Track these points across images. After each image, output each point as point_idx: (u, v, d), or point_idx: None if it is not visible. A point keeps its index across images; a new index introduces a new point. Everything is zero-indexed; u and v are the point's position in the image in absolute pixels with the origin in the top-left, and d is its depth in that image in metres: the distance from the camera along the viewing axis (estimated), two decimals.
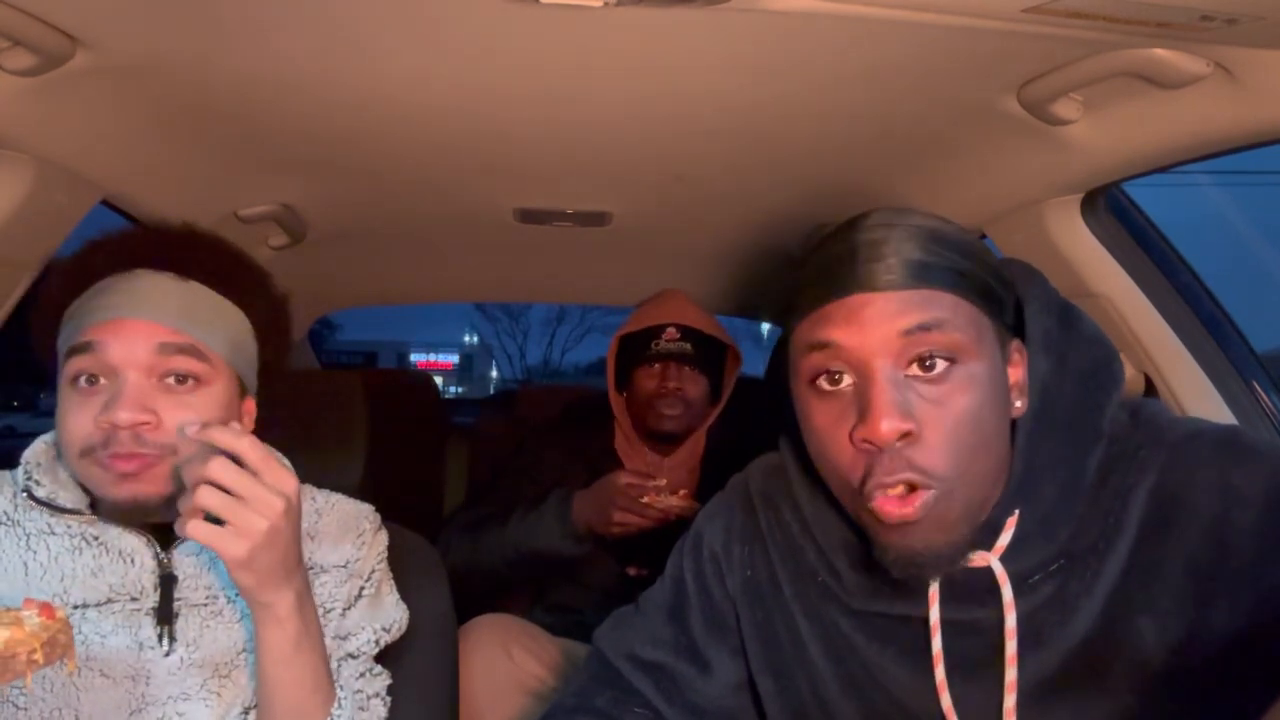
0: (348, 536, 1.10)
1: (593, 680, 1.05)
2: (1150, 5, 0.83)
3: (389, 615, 1.11)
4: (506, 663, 1.44)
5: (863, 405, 0.78)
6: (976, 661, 0.86)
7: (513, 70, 1.08)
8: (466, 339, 23.91)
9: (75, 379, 0.95)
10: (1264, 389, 1.32)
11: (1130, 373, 1.36)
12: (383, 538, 1.14)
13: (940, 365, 0.78)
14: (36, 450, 1.04)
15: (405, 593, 1.14)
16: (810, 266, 0.85)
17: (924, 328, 0.78)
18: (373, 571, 1.11)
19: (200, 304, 1.01)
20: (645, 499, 1.66)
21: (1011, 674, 0.83)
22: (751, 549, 1.01)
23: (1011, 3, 0.84)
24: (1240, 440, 0.83)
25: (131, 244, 1.03)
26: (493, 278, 2.50)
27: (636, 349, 1.84)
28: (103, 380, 0.95)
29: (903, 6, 0.87)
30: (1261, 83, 0.94)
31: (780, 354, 1.61)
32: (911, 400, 0.78)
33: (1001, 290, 0.84)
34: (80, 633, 0.96)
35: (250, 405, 1.06)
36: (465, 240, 2.06)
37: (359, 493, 1.16)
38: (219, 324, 1.01)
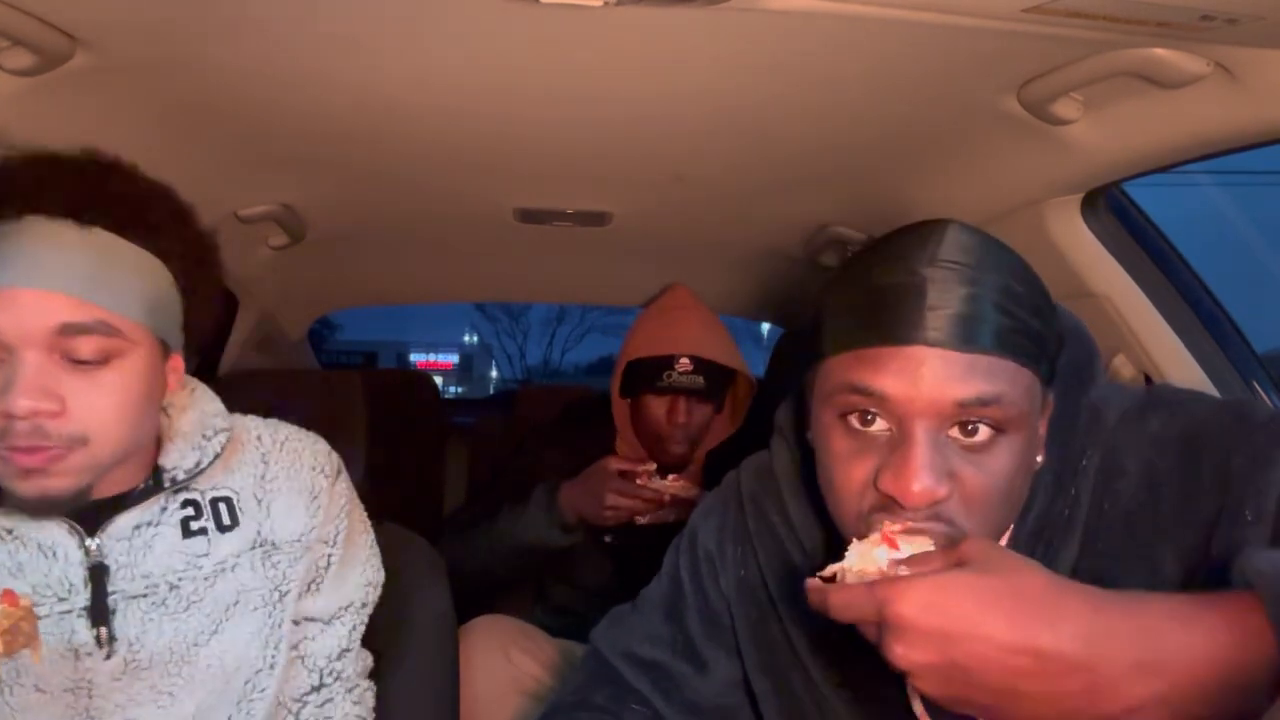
0: (300, 500, 0.99)
1: (591, 678, 1.04)
2: (1150, 5, 0.83)
3: (358, 588, 1.03)
4: (505, 664, 1.44)
5: (898, 459, 0.73)
6: None
7: (512, 70, 1.08)
8: (466, 339, 23.89)
9: None
10: (1264, 389, 1.32)
11: (1130, 373, 1.36)
12: (343, 487, 1.04)
13: (985, 433, 0.73)
14: None
15: (405, 593, 1.13)
16: (863, 284, 0.76)
17: (982, 401, 0.71)
18: (337, 534, 1.01)
19: (107, 262, 0.84)
20: (640, 481, 1.62)
21: None
22: (743, 548, 1.01)
23: (1011, 3, 0.84)
24: (1157, 395, 0.83)
25: (20, 182, 0.86)
26: (493, 278, 2.50)
27: (646, 373, 1.75)
28: None
29: (903, 6, 0.87)
30: (1261, 83, 0.94)
31: (780, 355, 1.61)
32: (950, 464, 0.73)
33: (1056, 344, 0.79)
34: None
35: (177, 362, 0.93)
36: (465, 240, 2.06)
37: (358, 493, 1.15)
38: (132, 284, 0.85)
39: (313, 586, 1.01)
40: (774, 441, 1.01)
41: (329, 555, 1.01)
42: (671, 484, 1.64)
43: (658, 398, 1.73)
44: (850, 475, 0.76)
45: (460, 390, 19.95)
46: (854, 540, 0.72)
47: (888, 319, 0.73)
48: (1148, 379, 1.36)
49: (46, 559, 0.87)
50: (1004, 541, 0.83)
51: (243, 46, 1.04)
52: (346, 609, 1.03)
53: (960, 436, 0.73)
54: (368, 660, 1.07)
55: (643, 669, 1.02)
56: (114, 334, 0.83)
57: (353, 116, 1.25)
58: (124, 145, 1.28)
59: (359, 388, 2.01)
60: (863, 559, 0.70)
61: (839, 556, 0.82)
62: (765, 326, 3.54)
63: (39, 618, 0.84)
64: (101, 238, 0.84)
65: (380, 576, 1.07)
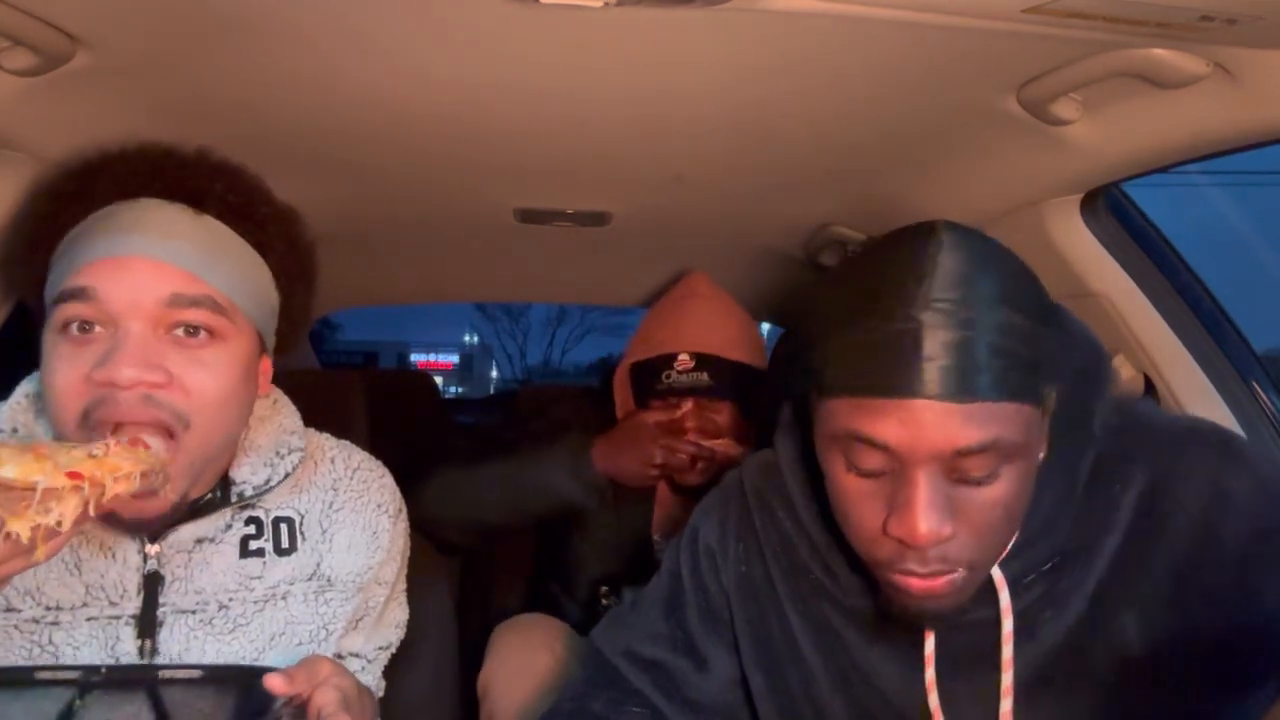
0: (361, 538, 0.98)
1: (589, 683, 1.04)
2: (1150, 5, 0.82)
3: (392, 629, 1.05)
4: (550, 659, 1.41)
5: (901, 501, 0.75)
6: (968, 659, 0.86)
7: (513, 70, 1.08)
8: (466, 339, 23.91)
9: (66, 326, 0.79)
10: (1264, 389, 1.32)
11: (1130, 373, 1.36)
12: (402, 527, 1.04)
13: (988, 473, 0.75)
14: (11, 411, 0.89)
15: (406, 594, 1.13)
16: (859, 324, 0.76)
17: (982, 448, 0.73)
18: (395, 577, 1.02)
19: (218, 246, 0.85)
20: (686, 439, 1.49)
21: (1008, 679, 0.84)
22: (746, 544, 1.01)
23: (1011, 3, 0.84)
24: (1235, 445, 0.84)
25: (139, 166, 0.88)
26: (493, 278, 2.50)
27: (647, 377, 1.57)
28: (99, 329, 0.79)
29: (903, 6, 0.87)
30: (1261, 83, 0.94)
31: (780, 354, 1.60)
32: (953, 499, 0.75)
33: (1056, 352, 0.79)
34: (50, 643, 0.84)
35: (267, 365, 0.93)
36: (465, 240, 2.06)
37: None
38: (239, 271, 0.85)
39: (360, 624, 1.00)
40: (779, 436, 1.01)
41: (381, 596, 1.01)
42: (717, 442, 1.50)
43: (663, 404, 1.56)
44: (864, 521, 0.79)
45: (460, 390, 19.95)
46: None
47: (886, 370, 0.74)
48: (1148, 379, 1.36)
49: (105, 559, 0.86)
50: (1011, 540, 0.83)
51: (243, 47, 1.04)
52: (385, 649, 1.03)
53: (963, 477, 0.75)
54: (382, 686, 1.07)
55: (642, 668, 1.02)
56: (220, 312, 0.83)
57: (353, 117, 1.25)
58: (126, 145, 1.28)
59: (359, 388, 2.01)
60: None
61: (850, 554, 0.83)
62: (765, 327, 3.54)
63: (89, 619, 0.85)
64: (213, 224, 0.85)
65: (405, 615, 1.07)
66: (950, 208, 1.49)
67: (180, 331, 0.81)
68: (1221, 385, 1.31)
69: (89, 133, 1.20)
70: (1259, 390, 1.32)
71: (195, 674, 0.82)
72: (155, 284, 0.80)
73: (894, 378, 0.74)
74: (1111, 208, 1.36)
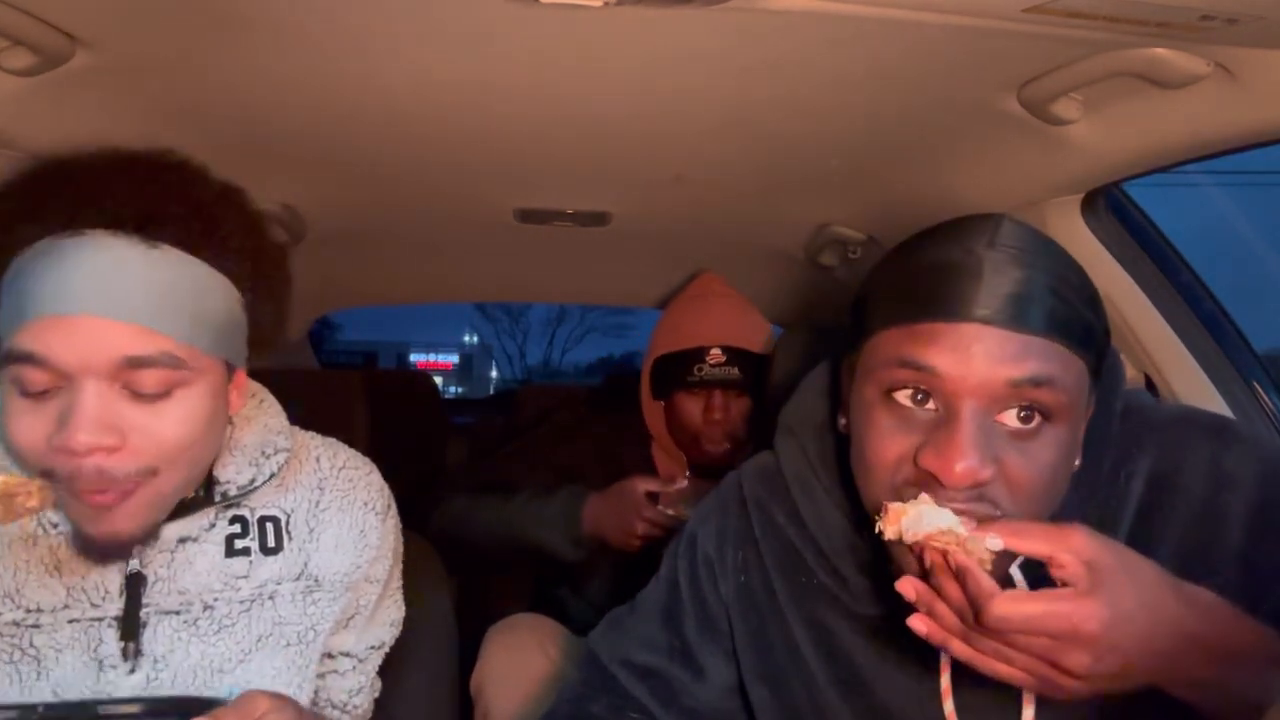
0: (349, 537, 0.97)
1: (587, 686, 1.03)
2: (1150, 5, 0.82)
3: (385, 628, 1.04)
4: (543, 660, 1.42)
5: (942, 437, 0.72)
6: None
7: (513, 70, 1.08)
8: (466, 339, 23.92)
9: (20, 385, 0.77)
10: (1264, 389, 1.32)
11: (1130, 373, 1.36)
12: (392, 524, 1.02)
13: (1034, 421, 0.73)
14: None
15: (406, 594, 1.13)
16: (916, 262, 0.76)
17: (1035, 382, 0.71)
18: (385, 574, 1.01)
19: (175, 287, 0.78)
20: (671, 511, 1.52)
21: None
22: (744, 553, 1.00)
23: (1011, 3, 0.84)
24: (1231, 426, 0.84)
25: (84, 186, 0.80)
26: (493, 278, 2.50)
27: (676, 369, 1.63)
28: (54, 387, 0.77)
29: (903, 6, 0.87)
30: (1261, 83, 0.94)
31: (779, 355, 1.61)
32: (995, 446, 0.72)
33: (1104, 340, 0.79)
34: (32, 646, 0.83)
35: (240, 379, 0.89)
36: (465, 240, 2.06)
37: None
38: (200, 310, 0.80)
39: (351, 623, 0.99)
40: (780, 441, 0.99)
41: (372, 595, 1.00)
42: None
43: (690, 395, 1.62)
44: (888, 449, 0.75)
45: (460, 390, 19.97)
46: (889, 505, 0.72)
47: (942, 295, 0.73)
48: (1148, 379, 1.36)
49: (86, 559, 0.84)
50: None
51: (243, 46, 1.04)
52: (377, 649, 1.03)
53: (1008, 422, 0.73)
54: (378, 686, 1.07)
55: (640, 676, 1.01)
56: (179, 366, 0.78)
57: (353, 116, 1.25)
58: (124, 145, 1.28)
59: (359, 388, 2.01)
60: (921, 522, 0.69)
61: (868, 556, 0.81)
62: None
63: (70, 621, 0.84)
64: (169, 258, 0.78)
65: (401, 613, 1.07)
66: (951, 207, 1.48)
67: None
68: (1221, 385, 1.31)
69: (89, 133, 1.20)
70: (1259, 390, 1.32)
71: (134, 708, 0.81)
72: (107, 346, 0.76)
73: (950, 301, 0.72)
74: (1112, 208, 1.36)
